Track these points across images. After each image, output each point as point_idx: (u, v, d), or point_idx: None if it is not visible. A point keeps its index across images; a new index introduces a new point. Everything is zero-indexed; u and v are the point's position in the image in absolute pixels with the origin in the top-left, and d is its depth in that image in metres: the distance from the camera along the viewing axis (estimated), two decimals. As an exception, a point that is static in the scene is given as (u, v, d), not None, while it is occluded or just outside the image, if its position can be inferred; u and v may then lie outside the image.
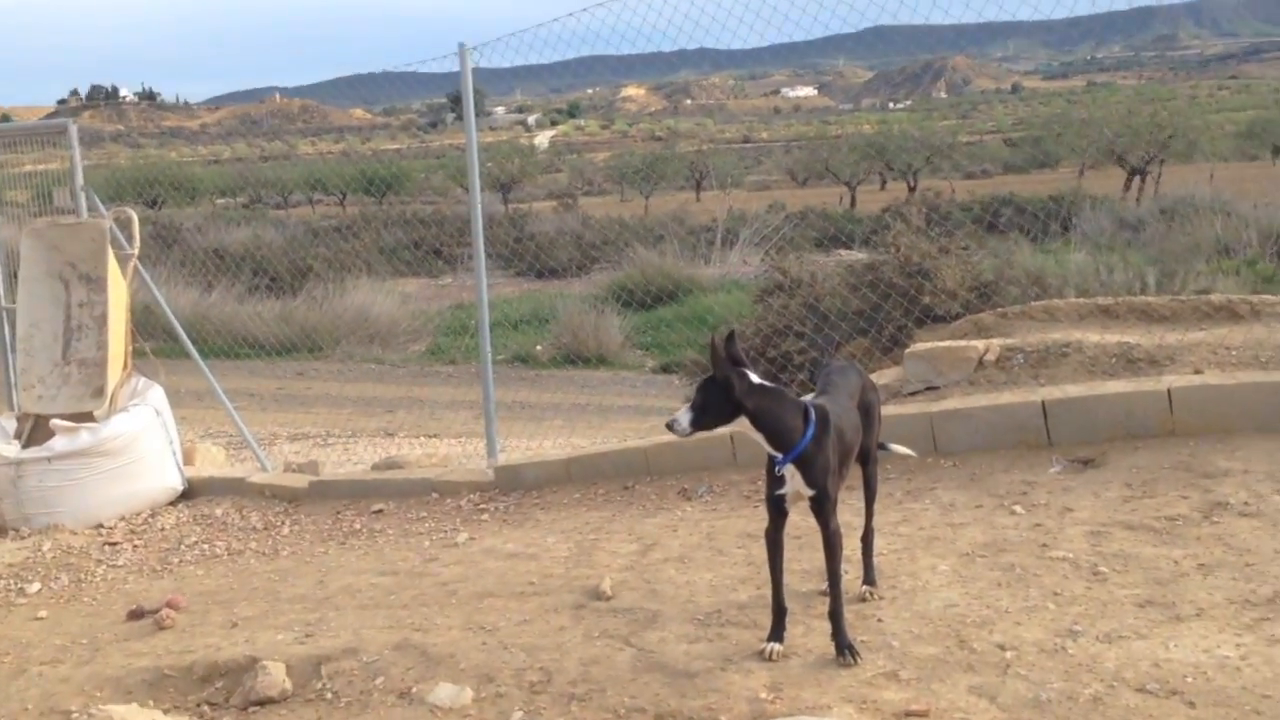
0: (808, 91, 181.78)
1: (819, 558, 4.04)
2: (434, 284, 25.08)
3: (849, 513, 4.27)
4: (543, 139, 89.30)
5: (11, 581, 6.23)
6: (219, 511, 7.52)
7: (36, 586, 6.13)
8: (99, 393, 7.75)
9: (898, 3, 6.71)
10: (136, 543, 6.98)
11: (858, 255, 15.78)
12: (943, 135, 51.13)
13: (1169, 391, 5.67)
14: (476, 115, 7.72)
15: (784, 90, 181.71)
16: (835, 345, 9.24)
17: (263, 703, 4.02)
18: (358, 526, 6.87)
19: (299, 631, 4.65)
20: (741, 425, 3.73)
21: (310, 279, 20.35)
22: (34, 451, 7.32)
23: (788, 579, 4.02)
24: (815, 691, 3.59)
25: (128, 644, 4.86)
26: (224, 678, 4.28)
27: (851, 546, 4.17)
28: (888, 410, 5.67)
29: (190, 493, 7.93)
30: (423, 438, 11.74)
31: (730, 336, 3.75)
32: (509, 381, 14.82)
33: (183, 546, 6.84)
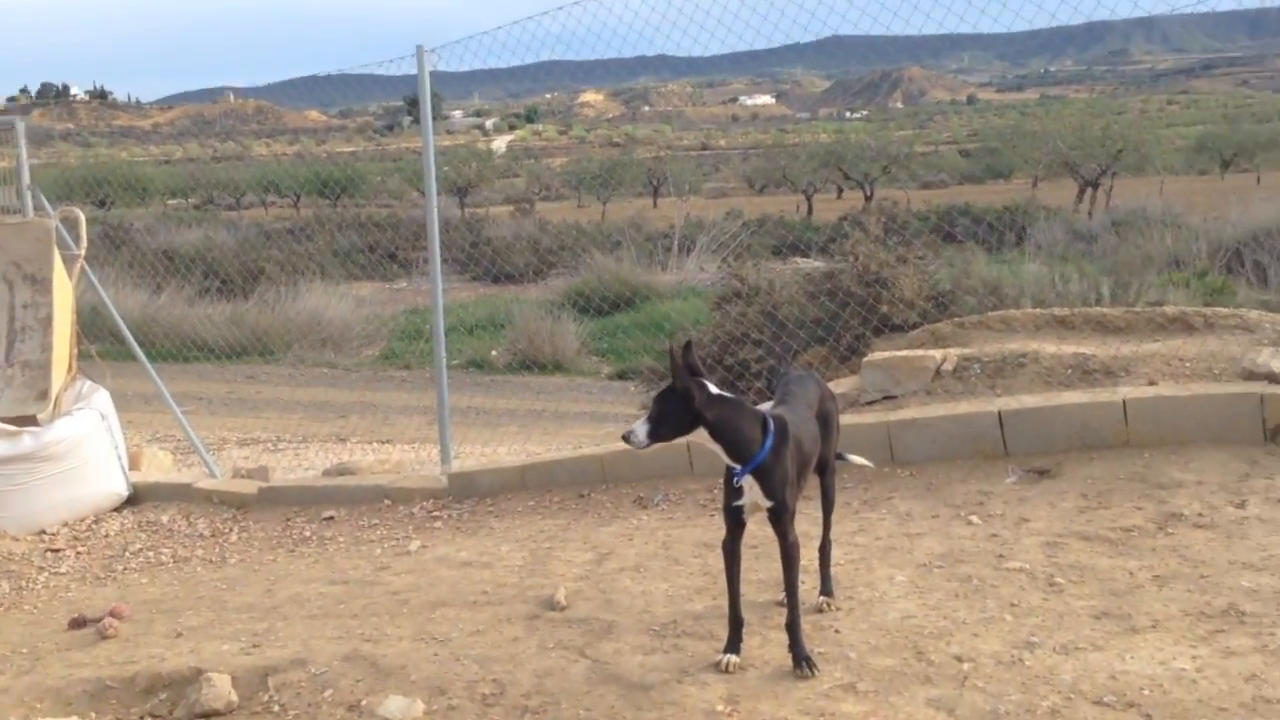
0: (766, 100, 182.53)
1: (776, 568, 4.00)
2: (389, 288, 24.89)
3: (806, 522, 4.24)
4: (500, 143, 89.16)
5: (-51, 589, 6.07)
6: (165, 518, 7.38)
7: (-25, 594, 5.98)
8: (43, 396, 7.60)
9: (859, 11, 6.72)
10: (80, 549, 6.83)
11: (815, 263, 15.84)
12: (899, 145, 51.52)
13: (1124, 403, 5.70)
14: (434, 119, 7.65)
15: (742, 98, 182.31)
16: (793, 353, 9.23)
17: (207, 715, 3.91)
18: (308, 534, 6.77)
19: (246, 642, 4.55)
20: (699, 436, 3.68)
21: (262, 282, 20.13)
22: (-25, 455, 7.15)
23: (744, 589, 3.98)
24: (772, 704, 3.54)
25: (69, 654, 4.74)
26: (167, 689, 4.17)
27: (809, 557, 4.14)
28: (845, 419, 5.64)
29: (136, 498, 7.78)
30: (376, 443, 11.63)
31: (687, 346, 3.70)
32: (464, 387, 14.71)
33: (127, 554, 6.71)
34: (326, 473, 8.33)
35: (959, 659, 3.74)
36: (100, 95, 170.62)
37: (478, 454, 9.20)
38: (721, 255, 21.91)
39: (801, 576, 3.88)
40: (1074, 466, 5.60)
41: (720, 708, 3.55)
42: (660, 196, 50.16)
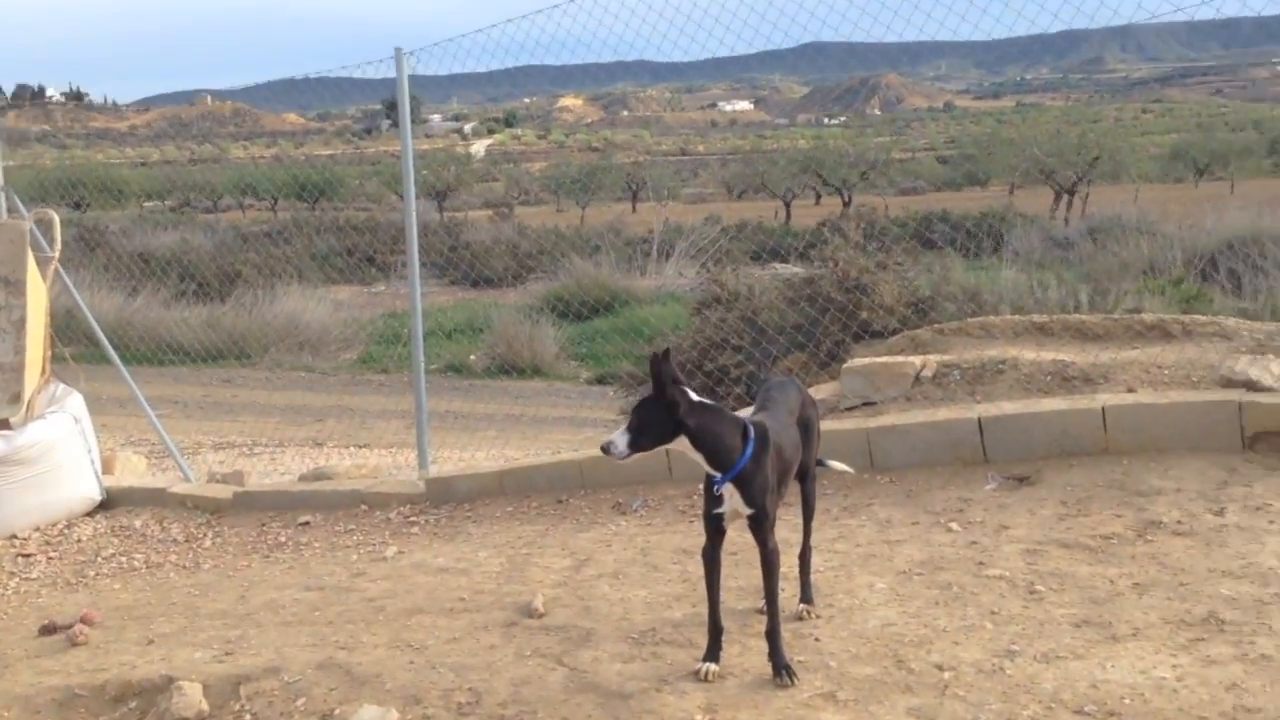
0: (744, 106, 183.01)
1: (756, 575, 3.97)
2: (367, 291, 24.79)
3: (786, 529, 4.21)
4: (479, 147, 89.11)
5: (-83, 595, 5.98)
6: (138, 523, 7.31)
7: (-57, 600, 5.89)
8: (15, 399, 7.52)
9: (839, 16, 6.72)
10: (51, 554, 6.75)
11: (794, 269, 15.83)
12: (877, 151, 51.74)
13: (1103, 410, 5.69)
14: (412, 122, 7.61)
15: (721, 104, 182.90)
16: (772, 359, 9.21)
17: (178, 725, 3.86)
18: (283, 539, 6.70)
19: (218, 649, 4.49)
20: (680, 444, 3.65)
21: (239, 285, 20.05)
22: (-55, 459, 7.07)
23: (724, 597, 3.95)
24: (751, 713, 3.51)
25: (38, 661, 4.67)
26: (138, 698, 4.12)
27: (789, 564, 4.11)
28: (825, 425, 5.63)
29: (109, 503, 7.70)
30: (352, 448, 11.56)
31: (666, 354, 3.65)
32: (442, 391, 14.65)
33: (99, 559, 6.63)
34: (303, 477, 8.25)
35: (939, 667, 3.72)
36: (76, 97, 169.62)
37: (455, 459, 9.15)
38: (700, 260, 21.89)
39: (781, 584, 3.85)
40: (1053, 473, 5.60)
41: (699, 717, 3.52)
42: (639, 201, 50.19)
